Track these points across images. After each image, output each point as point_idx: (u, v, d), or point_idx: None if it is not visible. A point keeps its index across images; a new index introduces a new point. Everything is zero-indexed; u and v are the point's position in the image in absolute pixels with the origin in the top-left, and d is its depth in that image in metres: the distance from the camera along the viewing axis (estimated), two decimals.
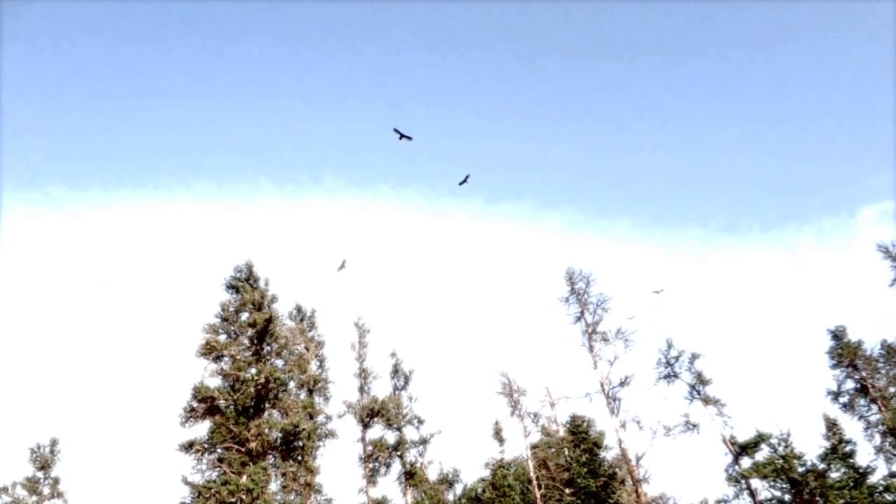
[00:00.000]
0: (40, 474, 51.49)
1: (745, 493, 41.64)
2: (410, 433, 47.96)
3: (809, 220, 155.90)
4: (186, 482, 35.83)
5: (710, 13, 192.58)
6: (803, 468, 40.33)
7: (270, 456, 39.23)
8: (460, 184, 31.00)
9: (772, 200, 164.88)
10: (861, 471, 39.69)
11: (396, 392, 49.55)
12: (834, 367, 50.94)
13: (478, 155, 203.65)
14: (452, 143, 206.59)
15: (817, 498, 39.05)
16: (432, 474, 47.13)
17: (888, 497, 38.18)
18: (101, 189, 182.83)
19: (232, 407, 38.32)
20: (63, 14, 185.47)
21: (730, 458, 42.77)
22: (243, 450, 37.04)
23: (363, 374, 49.82)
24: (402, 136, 27.38)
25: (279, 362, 42.24)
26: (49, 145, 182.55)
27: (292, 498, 41.55)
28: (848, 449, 41.08)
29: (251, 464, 36.28)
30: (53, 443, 53.14)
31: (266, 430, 38.25)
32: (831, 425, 42.71)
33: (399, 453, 46.90)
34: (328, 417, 45.66)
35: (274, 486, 39.76)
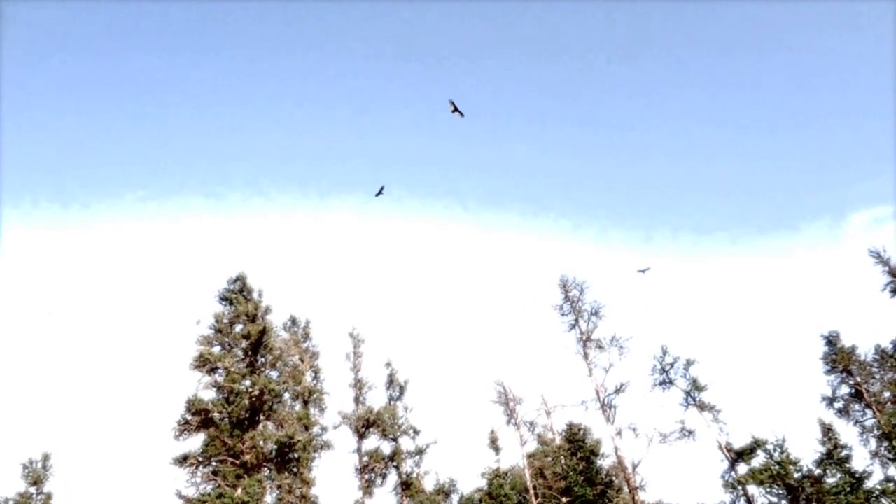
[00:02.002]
0: (32, 490, 50.89)
1: (742, 499, 41.61)
2: (406, 443, 47.87)
3: (801, 225, 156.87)
4: (181, 496, 35.66)
5: (701, 15, 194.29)
6: (799, 474, 40.39)
7: (265, 468, 39.02)
8: (376, 195, 31.67)
9: (764, 205, 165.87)
10: (857, 476, 39.77)
11: (392, 402, 49.41)
12: (828, 372, 51.11)
13: (470, 160, 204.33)
14: (447, 149, 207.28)
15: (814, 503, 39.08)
16: (428, 485, 46.92)
17: (884, 502, 38.24)
18: (83, 204, 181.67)
19: (226, 419, 38.14)
20: (40, 20, 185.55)
21: (726, 464, 42.77)
22: (238, 462, 36.85)
23: (358, 385, 49.67)
24: (455, 108, 27.37)
25: (274, 374, 42.13)
26: (29, 155, 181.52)
27: None
28: (844, 454, 41.17)
29: (246, 476, 36.09)
30: (46, 458, 52.60)
31: (261, 443, 38.09)
32: (827, 430, 42.80)
33: (395, 464, 46.72)
34: (323, 429, 45.46)
35: (269, 499, 39.48)
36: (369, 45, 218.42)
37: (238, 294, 43.00)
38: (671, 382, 46.02)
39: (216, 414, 37.98)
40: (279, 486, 39.20)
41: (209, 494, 34.94)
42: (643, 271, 38.45)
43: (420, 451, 47.53)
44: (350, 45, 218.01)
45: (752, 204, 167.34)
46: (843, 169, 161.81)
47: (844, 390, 50.44)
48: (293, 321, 51.21)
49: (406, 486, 45.94)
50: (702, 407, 44.39)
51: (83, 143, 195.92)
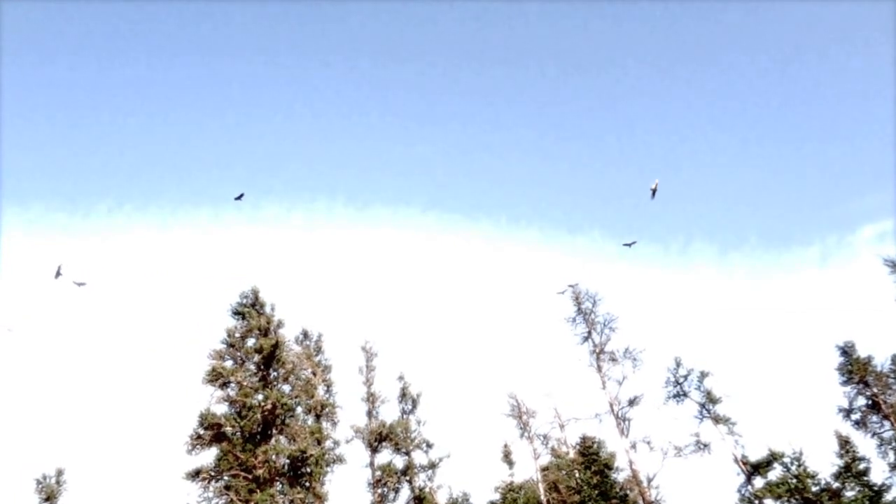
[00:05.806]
0: None
1: None
2: (419, 457, 47.69)
3: (813, 237, 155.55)
4: None
5: (706, 22, 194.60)
6: (817, 487, 39.89)
7: (278, 483, 38.93)
8: (236, 199, 33.12)
9: (774, 218, 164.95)
10: (876, 489, 39.28)
11: (404, 416, 49.28)
12: (844, 383, 50.50)
13: (483, 171, 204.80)
14: (459, 160, 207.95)
15: None
16: (442, 499, 46.68)
17: None
18: (87, 212, 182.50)
19: (239, 433, 38.16)
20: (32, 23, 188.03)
21: (742, 478, 42.31)
22: (250, 477, 36.80)
23: (371, 398, 49.62)
24: (654, 190, 30.27)
25: (286, 388, 42.11)
26: (30, 162, 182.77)
27: None
28: (862, 467, 40.68)
29: (258, 491, 36.02)
30: (59, 473, 52.77)
31: (273, 457, 38.03)
32: (844, 443, 42.31)
33: (408, 478, 46.53)
34: (336, 443, 45.37)
35: None
36: (371, 47, 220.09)
37: (250, 308, 43.13)
38: (685, 395, 45.68)
39: (228, 428, 38.02)
40: (291, 501, 39.07)
41: None
42: (629, 244, 38.19)
43: (433, 465, 47.34)
44: (351, 48, 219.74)
45: (762, 217, 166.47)
46: (853, 181, 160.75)
47: (861, 402, 49.78)
48: (305, 335, 51.34)
49: (419, 500, 45.71)
50: (717, 419, 43.99)
51: (86, 150, 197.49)
